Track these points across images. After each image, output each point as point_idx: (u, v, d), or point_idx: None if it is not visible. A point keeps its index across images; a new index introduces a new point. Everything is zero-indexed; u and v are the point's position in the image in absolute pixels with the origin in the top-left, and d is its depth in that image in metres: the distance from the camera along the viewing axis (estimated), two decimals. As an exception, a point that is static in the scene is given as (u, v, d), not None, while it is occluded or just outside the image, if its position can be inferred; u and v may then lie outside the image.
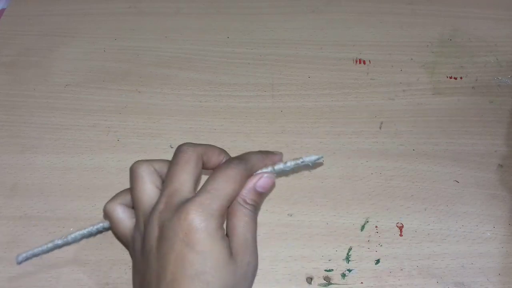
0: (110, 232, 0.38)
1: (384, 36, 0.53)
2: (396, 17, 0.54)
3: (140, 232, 0.29)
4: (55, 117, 0.46)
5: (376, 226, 0.38)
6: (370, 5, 0.56)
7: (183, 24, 0.54)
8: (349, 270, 0.36)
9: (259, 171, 0.30)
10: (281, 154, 0.32)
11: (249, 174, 0.29)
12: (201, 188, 0.27)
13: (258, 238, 0.38)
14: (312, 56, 0.51)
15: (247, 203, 0.29)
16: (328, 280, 0.36)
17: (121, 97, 0.47)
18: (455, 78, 0.49)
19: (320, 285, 0.36)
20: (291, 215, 0.39)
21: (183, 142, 0.30)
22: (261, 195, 0.30)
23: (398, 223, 0.39)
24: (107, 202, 0.32)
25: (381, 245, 0.37)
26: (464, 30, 0.53)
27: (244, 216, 0.28)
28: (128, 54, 0.51)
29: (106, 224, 0.33)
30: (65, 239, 0.33)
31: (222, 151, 0.31)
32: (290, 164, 0.31)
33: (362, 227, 0.38)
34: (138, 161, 0.30)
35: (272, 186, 0.30)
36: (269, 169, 0.30)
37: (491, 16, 0.54)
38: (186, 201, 0.26)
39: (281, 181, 0.41)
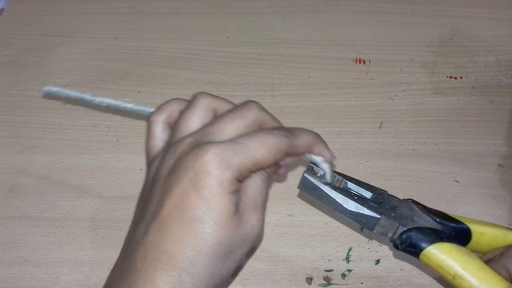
0: (110, 232, 0.38)
1: (384, 36, 0.52)
2: (396, 17, 0.54)
3: (159, 158, 0.27)
4: (54, 117, 0.46)
5: (376, 226, 0.38)
6: (370, 5, 0.56)
7: (183, 24, 0.54)
8: (349, 270, 0.36)
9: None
10: (332, 155, 0.29)
11: (291, 152, 0.27)
12: (232, 138, 0.26)
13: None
14: (312, 56, 0.51)
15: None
16: (328, 280, 0.36)
17: (121, 97, 0.47)
18: (455, 78, 0.49)
19: (320, 285, 0.36)
20: (291, 215, 0.39)
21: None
22: (278, 167, 0.28)
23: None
24: (153, 113, 0.30)
25: (381, 245, 0.37)
26: (464, 30, 0.53)
27: (258, 179, 0.26)
28: (128, 54, 0.51)
29: (147, 110, 0.31)
30: (92, 98, 0.32)
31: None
32: (328, 171, 0.29)
33: (362, 228, 0.38)
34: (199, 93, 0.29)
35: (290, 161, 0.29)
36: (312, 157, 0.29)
37: (491, 16, 0.54)
38: (211, 142, 0.25)
39: (280, 181, 0.41)
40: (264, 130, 0.27)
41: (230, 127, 0.26)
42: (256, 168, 0.25)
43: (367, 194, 0.30)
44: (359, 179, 0.31)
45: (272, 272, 0.36)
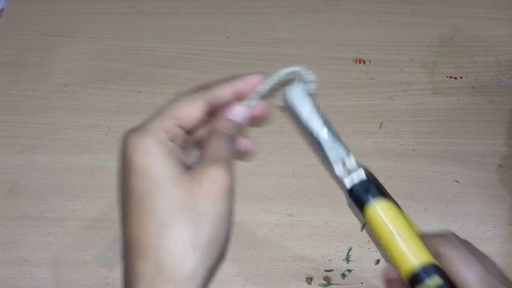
0: (110, 232, 0.38)
1: (384, 36, 0.52)
2: (396, 17, 0.54)
3: None
4: (54, 117, 0.46)
5: (376, 226, 0.38)
6: (370, 5, 0.56)
7: (183, 24, 0.54)
8: (349, 270, 0.36)
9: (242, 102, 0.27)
10: (257, 76, 0.28)
11: (210, 100, 0.26)
12: None
13: (258, 238, 0.38)
14: (312, 56, 0.51)
15: (219, 131, 0.26)
16: (328, 280, 0.36)
17: (121, 97, 0.47)
18: (455, 78, 0.49)
19: (320, 285, 0.36)
20: (291, 215, 0.39)
21: None
22: (235, 125, 0.27)
23: (398, 223, 0.39)
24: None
25: (381, 245, 0.37)
26: (464, 30, 0.53)
27: (215, 141, 0.25)
28: (128, 54, 0.51)
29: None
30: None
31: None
32: (265, 86, 0.27)
33: (362, 227, 0.38)
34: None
35: (247, 116, 0.27)
36: (250, 97, 0.27)
37: (491, 16, 0.54)
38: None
39: (280, 181, 0.41)
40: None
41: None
42: (180, 121, 0.25)
43: (338, 134, 0.29)
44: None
45: (272, 272, 0.36)
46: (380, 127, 0.45)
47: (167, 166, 0.23)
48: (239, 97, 0.27)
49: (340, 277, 0.36)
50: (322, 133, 0.28)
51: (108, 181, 0.41)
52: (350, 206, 0.29)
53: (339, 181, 0.29)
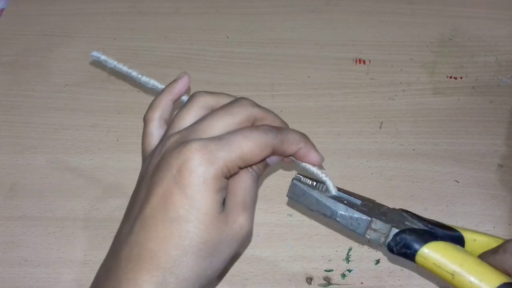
0: (110, 232, 0.38)
1: (384, 36, 0.52)
2: (396, 17, 0.54)
3: (151, 155, 0.27)
4: (54, 117, 0.46)
5: (376, 226, 0.38)
6: (370, 5, 0.56)
7: (183, 24, 0.54)
8: (349, 270, 0.36)
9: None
10: (321, 157, 0.29)
11: (278, 147, 0.26)
12: (216, 136, 0.25)
13: (258, 238, 0.38)
14: (312, 56, 0.51)
15: (252, 168, 0.26)
16: (328, 280, 0.36)
17: (121, 97, 0.47)
18: (455, 78, 0.49)
19: (320, 285, 0.36)
20: (291, 215, 0.39)
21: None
22: (266, 166, 0.28)
23: (398, 223, 0.39)
24: (148, 111, 0.30)
25: (381, 245, 0.37)
26: (464, 30, 0.53)
27: (247, 179, 0.26)
28: (128, 54, 0.51)
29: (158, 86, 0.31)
30: (139, 76, 0.32)
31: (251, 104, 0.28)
32: (315, 173, 0.28)
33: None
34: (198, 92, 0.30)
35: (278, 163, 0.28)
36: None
37: (491, 16, 0.54)
38: (195, 139, 0.24)
39: (280, 181, 0.41)
40: (251, 126, 0.26)
41: (219, 124, 0.25)
42: (243, 163, 0.25)
43: (357, 201, 0.30)
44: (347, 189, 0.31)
45: (272, 272, 0.36)
46: (380, 127, 0.45)
47: (214, 203, 0.24)
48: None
49: (340, 277, 0.36)
50: (338, 217, 0.28)
51: (108, 181, 0.41)
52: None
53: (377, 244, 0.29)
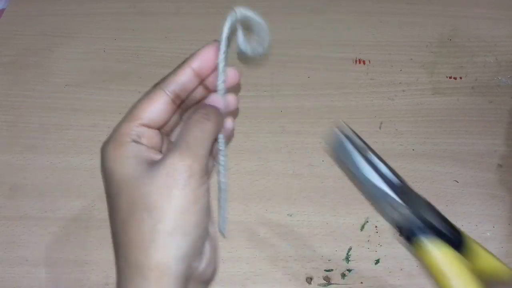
0: (109, 232, 0.38)
1: (383, 36, 0.53)
2: (396, 17, 0.54)
3: None
4: (54, 117, 0.46)
5: (376, 226, 0.38)
6: (370, 5, 0.56)
7: (183, 24, 0.54)
8: (349, 270, 0.36)
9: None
10: (209, 47, 0.27)
11: (173, 89, 0.26)
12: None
13: (258, 238, 0.38)
14: (312, 56, 0.51)
15: (193, 118, 0.24)
16: (328, 280, 0.36)
17: (121, 97, 0.47)
18: (455, 78, 0.49)
19: (320, 285, 0.36)
20: (291, 215, 0.39)
21: None
22: (213, 111, 0.26)
23: (398, 223, 0.39)
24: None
25: (381, 245, 0.38)
26: (463, 30, 0.53)
27: (183, 129, 0.24)
28: (128, 54, 0.51)
29: None
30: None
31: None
32: (221, 52, 0.27)
33: (362, 227, 0.38)
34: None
35: (224, 103, 0.26)
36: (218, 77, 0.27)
37: (491, 16, 0.54)
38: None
39: (280, 181, 0.41)
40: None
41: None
42: (139, 121, 0.25)
43: (393, 179, 0.29)
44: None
45: (272, 272, 0.36)
46: (380, 127, 0.45)
47: (126, 167, 0.23)
48: (201, 76, 0.26)
49: (340, 277, 0.36)
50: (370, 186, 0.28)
51: (108, 181, 0.41)
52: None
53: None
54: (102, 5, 0.56)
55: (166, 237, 0.22)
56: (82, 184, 0.41)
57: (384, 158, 0.42)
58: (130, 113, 0.25)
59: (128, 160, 0.23)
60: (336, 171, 0.42)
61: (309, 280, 0.36)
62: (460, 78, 0.49)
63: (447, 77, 0.49)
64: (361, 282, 0.36)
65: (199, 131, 0.24)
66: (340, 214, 0.39)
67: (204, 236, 0.24)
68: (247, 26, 0.27)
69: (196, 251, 0.23)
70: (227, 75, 0.27)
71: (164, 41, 0.52)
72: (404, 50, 0.51)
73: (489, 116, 0.46)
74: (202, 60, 0.26)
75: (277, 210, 0.39)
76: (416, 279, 0.36)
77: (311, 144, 0.43)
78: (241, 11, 0.27)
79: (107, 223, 0.39)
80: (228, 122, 0.27)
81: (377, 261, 0.37)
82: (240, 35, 0.27)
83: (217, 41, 0.27)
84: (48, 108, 0.47)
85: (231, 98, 0.28)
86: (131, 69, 0.50)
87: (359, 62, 0.50)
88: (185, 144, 0.23)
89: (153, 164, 0.23)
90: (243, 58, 0.27)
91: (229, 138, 0.28)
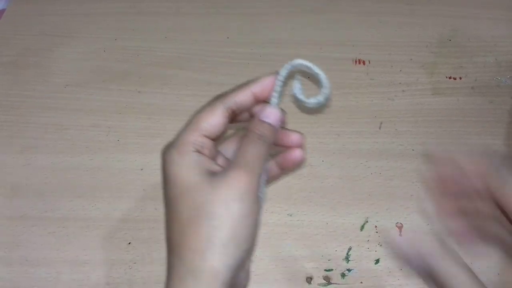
0: (110, 232, 0.38)
1: (383, 37, 0.53)
2: (396, 17, 0.54)
3: None
4: (55, 117, 0.46)
5: (376, 226, 0.38)
6: (370, 5, 0.56)
7: (183, 24, 0.54)
8: (349, 270, 0.36)
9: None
10: (271, 77, 0.30)
11: (230, 106, 0.28)
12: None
13: (258, 238, 0.38)
14: (312, 56, 0.51)
15: (251, 133, 0.27)
16: (327, 280, 0.36)
17: (121, 97, 0.47)
18: (455, 78, 0.49)
19: (320, 285, 0.36)
20: (291, 215, 0.39)
21: None
22: (268, 127, 0.28)
23: (397, 223, 0.39)
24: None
25: (380, 245, 0.38)
26: (463, 30, 0.53)
27: (244, 145, 0.27)
28: (128, 54, 0.51)
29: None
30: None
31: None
32: (278, 85, 0.29)
33: (362, 227, 0.38)
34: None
35: (280, 118, 0.29)
36: (271, 99, 0.29)
37: (490, 16, 0.54)
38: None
39: (280, 181, 0.41)
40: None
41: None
42: (200, 131, 0.27)
43: None
44: None
45: (272, 272, 0.36)
46: (380, 127, 0.45)
47: (191, 175, 0.25)
48: (257, 101, 0.29)
49: (339, 276, 0.36)
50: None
51: (109, 181, 0.41)
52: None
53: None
54: (102, 5, 0.56)
55: (221, 245, 0.24)
56: (82, 184, 0.41)
57: (384, 158, 0.43)
58: (193, 123, 0.27)
59: (192, 168, 0.25)
60: (336, 171, 0.42)
61: (309, 280, 0.36)
62: (460, 78, 0.49)
63: (447, 77, 0.49)
64: (361, 282, 0.36)
65: (256, 151, 0.27)
66: (340, 214, 0.39)
67: (251, 250, 0.26)
68: (308, 74, 0.30)
69: (243, 263, 0.25)
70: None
71: (164, 41, 0.52)
72: (404, 50, 0.51)
73: (489, 116, 0.46)
74: (262, 88, 0.29)
75: (277, 210, 0.39)
76: (416, 279, 0.36)
77: (311, 144, 0.43)
78: (299, 62, 0.30)
79: (107, 223, 0.39)
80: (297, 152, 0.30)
81: (377, 261, 0.37)
82: (297, 85, 0.31)
83: (277, 72, 0.30)
84: (48, 108, 0.47)
85: (294, 137, 0.31)
86: (131, 69, 0.50)
87: (359, 62, 0.50)
88: (244, 162, 0.26)
89: (213, 175, 0.25)
90: (301, 106, 0.29)
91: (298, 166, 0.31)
